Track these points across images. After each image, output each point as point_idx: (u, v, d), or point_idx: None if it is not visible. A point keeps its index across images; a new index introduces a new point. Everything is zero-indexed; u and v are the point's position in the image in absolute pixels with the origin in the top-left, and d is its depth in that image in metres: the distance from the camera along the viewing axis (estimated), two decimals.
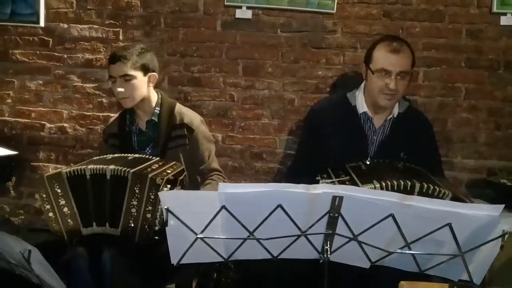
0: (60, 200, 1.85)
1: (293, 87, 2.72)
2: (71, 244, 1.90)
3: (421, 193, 1.72)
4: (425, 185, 1.74)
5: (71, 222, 1.87)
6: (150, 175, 1.79)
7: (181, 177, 1.92)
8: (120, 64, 2.07)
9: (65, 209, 1.86)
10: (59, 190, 1.85)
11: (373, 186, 1.72)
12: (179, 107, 2.24)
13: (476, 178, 2.67)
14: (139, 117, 2.22)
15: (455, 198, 1.72)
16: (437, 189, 1.73)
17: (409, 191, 1.72)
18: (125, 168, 1.83)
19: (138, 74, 2.10)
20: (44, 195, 1.85)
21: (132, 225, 1.81)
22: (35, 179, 2.81)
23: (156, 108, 2.20)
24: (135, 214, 1.81)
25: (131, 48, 2.12)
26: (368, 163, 1.98)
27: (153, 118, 2.19)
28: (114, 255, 1.82)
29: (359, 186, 1.72)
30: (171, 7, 2.71)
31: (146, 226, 1.79)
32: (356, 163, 1.95)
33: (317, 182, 1.84)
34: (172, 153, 2.13)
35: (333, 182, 1.79)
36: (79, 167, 1.87)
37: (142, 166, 1.87)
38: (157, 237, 1.77)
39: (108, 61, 2.14)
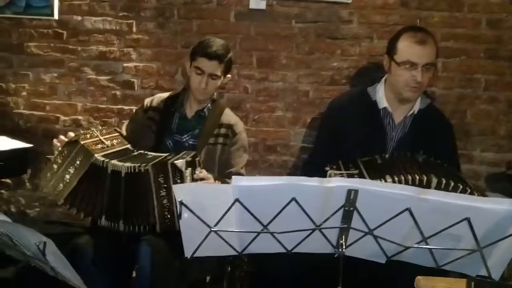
0: (70, 168, 1.89)
1: (308, 79, 2.69)
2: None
3: (439, 188, 1.68)
4: (444, 180, 1.70)
5: (60, 189, 1.90)
6: (170, 161, 1.81)
7: (197, 158, 1.93)
8: (216, 63, 2.10)
9: (67, 176, 1.89)
10: (78, 162, 1.88)
11: (383, 180, 1.70)
12: (228, 110, 2.29)
13: (496, 171, 2.62)
14: (189, 104, 2.24)
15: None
16: (458, 185, 1.69)
17: (426, 186, 1.69)
18: (143, 164, 1.84)
19: (222, 76, 2.16)
20: (66, 152, 1.90)
21: (169, 216, 1.83)
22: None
23: (209, 103, 2.24)
24: (168, 204, 1.82)
25: (224, 48, 2.13)
26: (386, 156, 1.95)
27: (204, 110, 2.22)
28: (153, 251, 1.82)
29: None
30: None
31: None
32: (373, 156, 1.92)
33: (326, 172, 1.82)
34: (209, 149, 2.15)
35: (341, 174, 1.77)
36: (107, 159, 1.89)
37: (159, 159, 1.89)
38: None
39: (202, 53, 2.11)
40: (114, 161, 1.89)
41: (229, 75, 2.23)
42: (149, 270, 1.80)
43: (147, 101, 2.30)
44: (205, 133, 2.18)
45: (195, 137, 2.19)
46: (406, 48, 1.98)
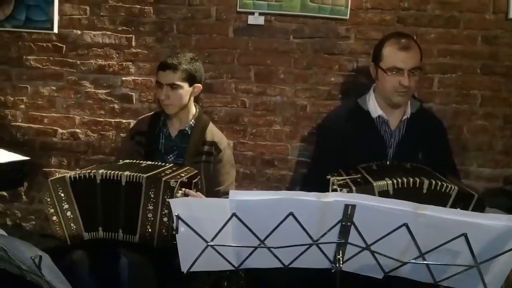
0: (63, 204, 1.88)
1: (305, 93, 2.70)
2: (70, 249, 1.90)
3: (429, 190, 1.73)
4: (433, 182, 1.74)
5: (74, 227, 1.90)
6: (164, 179, 1.81)
7: (195, 180, 1.94)
8: (170, 72, 2.13)
9: (68, 213, 1.89)
10: (62, 194, 1.88)
11: (385, 182, 1.73)
12: (211, 126, 2.29)
13: (492, 187, 2.62)
14: (172, 123, 2.26)
15: (461, 193, 1.72)
16: (444, 184, 1.73)
17: (418, 188, 1.73)
18: (139, 174, 1.85)
19: (185, 85, 2.16)
20: (49, 199, 1.88)
21: (150, 230, 1.83)
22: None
23: (192, 120, 2.25)
24: (152, 219, 1.82)
25: (181, 57, 2.17)
26: (382, 162, 2.00)
27: (186, 129, 2.23)
28: (131, 262, 1.83)
29: (371, 183, 1.74)
30: (184, 14, 2.72)
31: (164, 230, 1.81)
32: (368, 164, 1.96)
33: (328, 180, 1.84)
34: (195, 168, 2.13)
35: (344, 180, 1.79)
36: (87, 171, 1.89)
37: (156, 171, 1.90)
38: (175, 242, 1.76)
39: (158, 67, 2.19)
40: (101, 171, 1.87)
41: (198, 85, 2.22)
42: (127, 281, 1.81)
43: (131, 128, 2.32)
44: (189, 152, 2.18)
45: (180, 156, 2.20)
46: (391, 54, 2.04)
